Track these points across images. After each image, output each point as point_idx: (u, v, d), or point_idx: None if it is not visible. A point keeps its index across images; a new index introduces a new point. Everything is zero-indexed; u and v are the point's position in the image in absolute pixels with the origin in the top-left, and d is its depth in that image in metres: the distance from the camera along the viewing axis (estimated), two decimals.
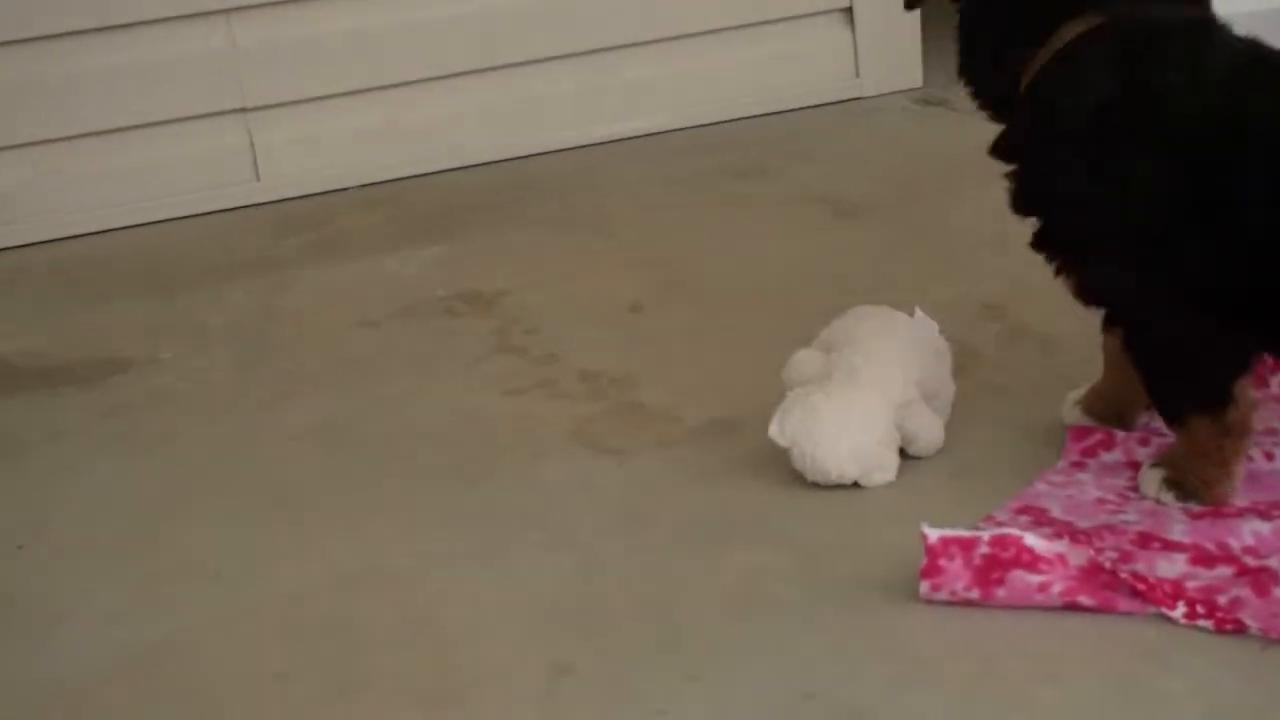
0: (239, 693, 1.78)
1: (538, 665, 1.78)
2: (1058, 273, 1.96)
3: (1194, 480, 1.94)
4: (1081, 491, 1.98)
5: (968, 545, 1.80)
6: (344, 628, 1.88)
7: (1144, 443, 2.05)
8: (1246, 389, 1.92)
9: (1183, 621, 1.75)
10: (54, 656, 1.87)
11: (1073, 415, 2.11)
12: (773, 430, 2.05)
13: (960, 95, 2.10)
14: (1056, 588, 1.78)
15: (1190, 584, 1.79)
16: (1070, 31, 1.91)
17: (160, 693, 1.80)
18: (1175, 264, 1.86)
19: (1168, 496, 1.94)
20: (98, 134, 3.16)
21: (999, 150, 1.98)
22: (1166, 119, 1.85)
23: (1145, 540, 1.87)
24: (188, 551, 2.07)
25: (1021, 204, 1.96)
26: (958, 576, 1.79)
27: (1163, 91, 1.85)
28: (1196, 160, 1.83)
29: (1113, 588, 1.78)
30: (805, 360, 2.11)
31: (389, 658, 1.82)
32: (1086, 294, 1.96)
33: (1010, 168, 1.97)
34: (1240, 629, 1.73)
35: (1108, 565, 1.79)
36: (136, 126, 3.17)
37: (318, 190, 3.27)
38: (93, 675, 1.83)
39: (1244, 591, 1.77)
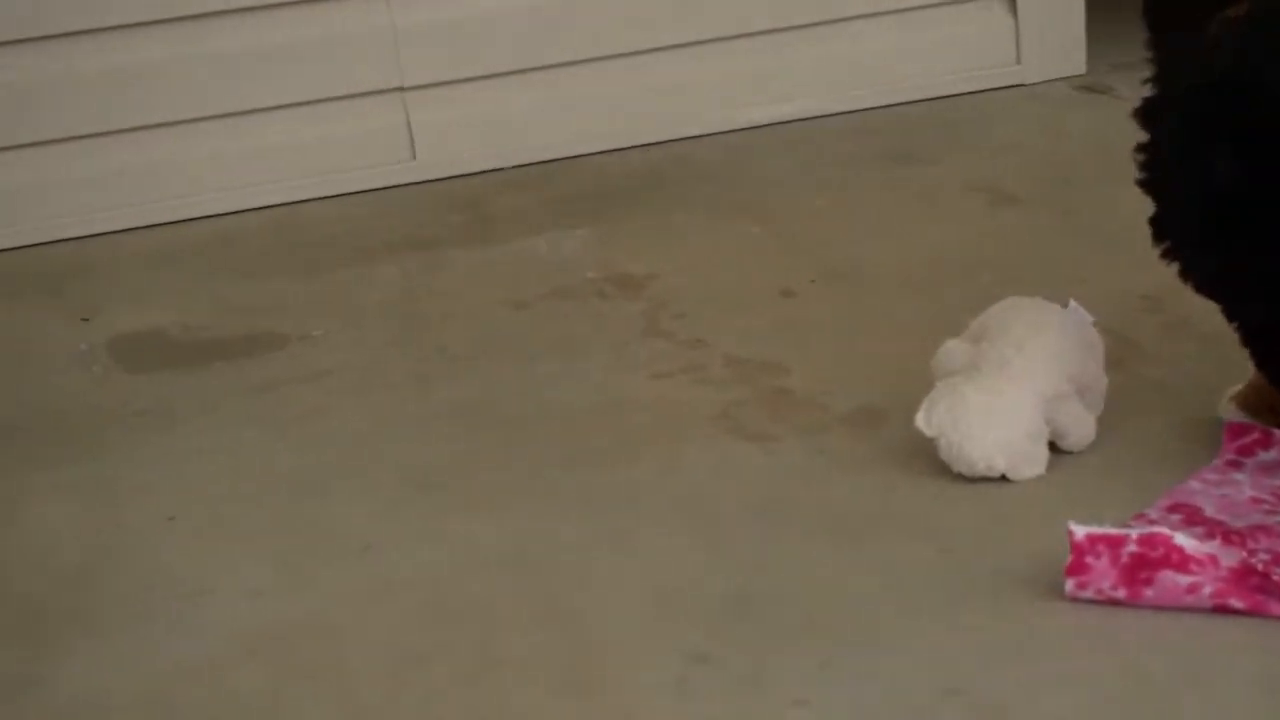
0: (376, 673, 1.79)
1: (674, 652, 1.77)
2: (1162, 255, 1.93)
3: None
4: (1236, 490, 1.93)
5: (1115, 543, 1.76)
6: (482, 610, 1.88)
7: None
8: None
9: None
10: (198, 632, 1.89)
11: (1228, 411, 2.06)
12: (919, 420, 2.02)
13: (1123, 82, 2.06)
14: (1207, 589, 1.73)
15: None
16: (1225, 17, 1.86)
17: (299, 671, 1.80)
18: (1251, 253, 1.82)
19: None
20: (258, 111, 3.19)
21: (1137, 113, 1.95)
22: (1250, 107, 1.80)
23: None
24: (332, 529, 2.08)
25: (1139, 180, 1.94)
26: (1104, 575, 1.76)
27: (1254, 79, 1.80)
28: (1268, 150, 1.78)
29: (1265, 591, 1.73)
30: (954, 350, 2.08)
31: (525, 642, 1.81)
32: (1186, 280, 1.93)
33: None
34: None
35: (1260, 567, 1.74)
36: (296, 104, 3.20)
37: (473, 170, 3.28)
38: (234, 652, 1.85)
39: None
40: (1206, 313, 2.02)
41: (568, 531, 2.02)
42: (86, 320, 2.76)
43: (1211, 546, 1.76)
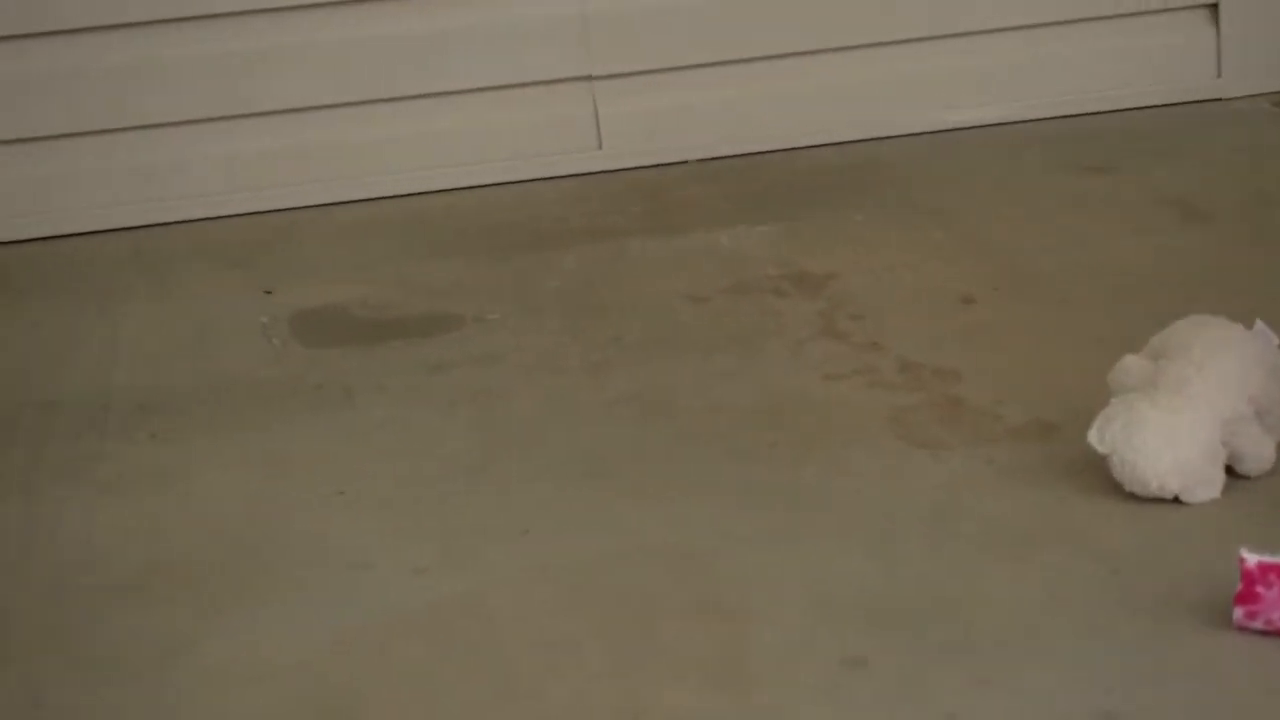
0: (531, 655, 1.79)
1: (828, 655, 1.75)
2: None
3: None
4: None
5: None
6: (640, 600, 1.88)
7: None
8: None
9: None
10: (358, 605, 1.91)
11: None
12: (1092, 436, 1.98)
13: None
14: None
15: None
16: None
17: (455, 650, 1.82)
18: None
19: None
20: (447, 95, 3.22)
21: None
22: None
23: None
24: (496, 510, 2.09)
25: None
26: (1275, 605, 1.71)
27: None
28: None
29: None
30: (1132, 366, 2.04)
31: (680, 635, 1.81)
32: None
33: None
34: None
35: None
36: (485, 89, 3.22)
37: (659, 162, 3.27)
38: (392, 627, 1.86)
39: None
40: None
41: (731, 527, 2.01)
42: (269, 294, 2.81)
43: None
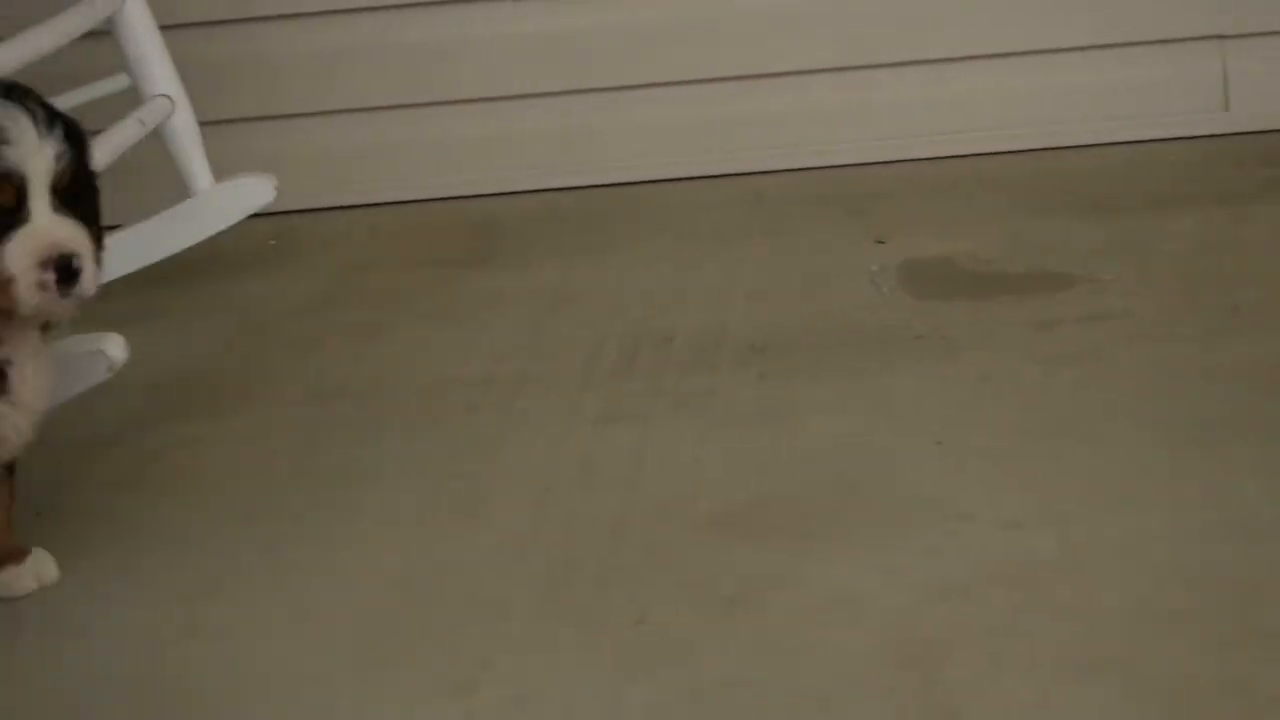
0: (1123, 622, 1.76)
1: None
2: None
3: None
4: None
5: None
6: (1243, 575, 1.82)
7: None
8: None
9: None
10: (953, 554, 1.92)
11: None
12: None
13: None
14: None
15: None
16: None
17: (1045, 609, 1.79)
18: None
19: None
20: (1064, 51, 3.19)
21: None
22: None
23: None
24: (1094, 471, 2.07)
25: None
26: None
27: None
28: None
29: None
30: None
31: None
32: None
33: None
34: None
35: None
36: (1107, 45, 3.18)
37: None
38: (985, 579, 1.85)
39: None
40: None
41: None
42: (881, 243, 2.85)
43: None
